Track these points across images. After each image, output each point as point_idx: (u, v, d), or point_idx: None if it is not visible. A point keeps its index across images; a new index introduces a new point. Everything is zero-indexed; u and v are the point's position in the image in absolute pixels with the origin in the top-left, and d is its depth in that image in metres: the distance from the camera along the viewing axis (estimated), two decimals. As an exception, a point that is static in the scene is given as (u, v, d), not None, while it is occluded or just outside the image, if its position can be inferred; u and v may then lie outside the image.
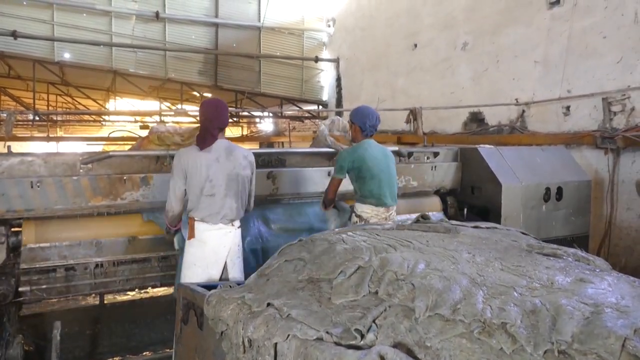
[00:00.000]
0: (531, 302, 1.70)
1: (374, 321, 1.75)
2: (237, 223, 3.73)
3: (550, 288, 1.79)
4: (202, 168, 3.53)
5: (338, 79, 13.23)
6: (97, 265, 4.10)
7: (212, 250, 3.58)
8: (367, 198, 4.27)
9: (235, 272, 3.69)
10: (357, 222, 4.31)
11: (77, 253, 4.06)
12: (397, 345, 1.63)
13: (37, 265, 3.92)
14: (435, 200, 5.65)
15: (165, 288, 4.30)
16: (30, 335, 4.11)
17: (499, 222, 5.13)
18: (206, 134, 3.60)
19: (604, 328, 1.54)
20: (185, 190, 3.60)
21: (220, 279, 3.57)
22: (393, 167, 4.45)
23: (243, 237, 3.91)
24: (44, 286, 3.95)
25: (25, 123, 15.18)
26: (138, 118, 14.34)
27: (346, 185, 4.42)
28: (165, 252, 4.27)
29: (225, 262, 3.63)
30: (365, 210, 4.30)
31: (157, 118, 13.67)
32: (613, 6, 6.41)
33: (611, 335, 1.50)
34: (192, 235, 3.61)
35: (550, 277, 1.89)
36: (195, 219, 3.58)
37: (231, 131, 18.65)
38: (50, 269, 3.97)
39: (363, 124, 4.36)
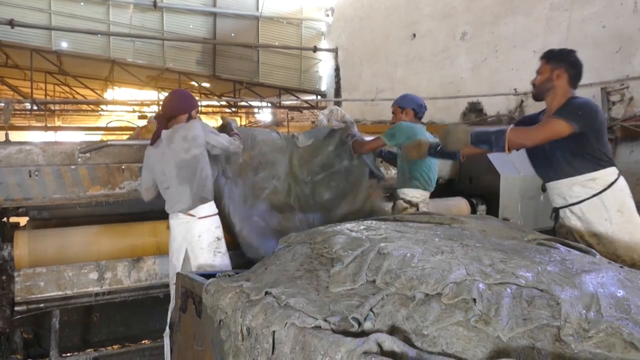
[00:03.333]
0: (529, 290, 1.71)
1: (371, 309, 1.75)
2: (201, 212, 3.53)
3: (547, 277, 1.80)
4: (155, 165, 3.58)
5: (337, 69, 13.19)
6: (98, 294, 3.95)
7: (173, 238, 3.56)
8: (416, 180, 4.13)
9: (200, 262, 3.51)
10: (407, 207, 4.14)
11: (77, 282, 3.82)
12: (394, 333, 1.64)
13: (33, 298, 3.69)
14: (462, 203, 5.42)
15: (164, 279, 4.26)
16: (29, 323, 4.11)
17: (497, 212, 5.14)
18: (157, 130, 3.63)
19: (602, 317, 1.56)
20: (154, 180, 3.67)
21: (184, 268, 3.47)
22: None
23: None
24: (41, 304, 3.77)
25: (23, 112, 15.11)
26: (136, 108, 14.30)
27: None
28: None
29: (187, 252, 3.53)
30: (415, 195, 4.15)
31: (155, 108, 13.62)
32: (612, -4, 6.40)
33: (608, 325, 1.51)
34: (167, 226, 3.67)
35: (546, 267, 1.90)
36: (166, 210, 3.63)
37: (230, 121, 18.62)
38: (47, 299, 3.77)
39: (418, 106, 4.33)
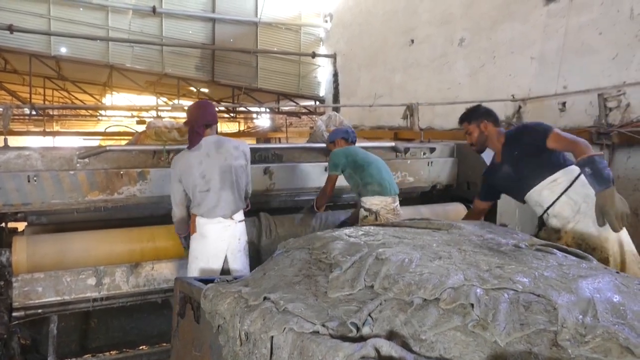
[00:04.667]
0: (526, 295, 1.72)
1: (369, 314, 1.76)
2: (238, 217, 3.77)
3: (544, 282, 1.81)
4: (194, 167, 3.63)
5: (335, 75, 13.21)
6: (96, 299, 3.95)
7: (212, 243, 3.66)
8: (370, 185, 4.30)
9: (237, 265, 3.73)
10: (367, 216, 4.30)
11: (75, 288, 3.83)
12: (392, 338, 1.65)
13: (31, 303, 3.70)
14: (460, 208, 5.51)
15: (162, 285, 4.25)
16: (26, 329, 4.10)
17: (494, 217, 5.15)
18: (192, 134, 3.70)
19: (598, 323, 1.57)
20: (185, 192, 3.72)
21: (222, 272, 3.65)
22: (384, 162, 4.57)
23: None
24: (39, 310, 3.79)
25: (22, 117, 15.13)
26: (135, 113, 14.31)
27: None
28: (168, 283, 4.08)
29: (226, 256, 3.69)
30: (374, 202, 4.29)
31: (153, 113, 13.65)
32: (609, 2, 6.42)
33: (605, 330, 1.52)
34: (194, 230, 3.72)
35: (543, 272, 1.91)
36: (196, 214, 3.69)
37: (228, 127, 18.67)
38: (45, 305, 3.79)
39: (345, 132, 4.65)
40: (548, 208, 3.32)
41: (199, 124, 3.70)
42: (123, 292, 4.01)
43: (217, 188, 3.63)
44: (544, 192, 3.31)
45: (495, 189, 3.77)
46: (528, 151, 3.33)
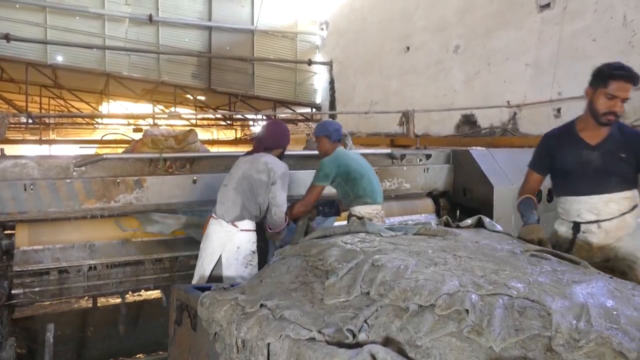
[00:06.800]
0: (521, 301, 1.73)
1: (365, 321, 1.77)
2: (244, 225, 3.72)
3: (538, 288, 1.82)
4: (233, 165, 3.91)
5: (331, 82, 13.26)
6: (90, 268, 4.09)
7: (210, 243, 3.71)
8: (362, 197, 4.20)
9: (230, 273, 3.67)
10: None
11: (70, 256, 4.05)
12: (388, 344, 1.65)
13: (30, 268, 3.90)
14: (428, 202, 5.68)
15: (153, 255, 4.32)
16: (23, 337, 4.10)
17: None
18: (254, 146, 3.97)
19: (591, 327, 1.58)
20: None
21: (211, 275, 3.65)
22: (373, 170, 4.44)
23: None
24: (37, 289, 3.94)
25: (18, 126, 15.10)
26: (131, 121, 14.31)
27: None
28: (158, 254, 4.30)
29: (221, 261, 3.67)
30: (367, 210, 4.20)
31: (150, 121, 13.66)
32: (602, 9, 6.48)
33: (598, 334, 1.53)
34: (204, 229, 3.86)
35: (537, 278, 1.93)
36: (212, 214, 3.83)
37: (225, 134, 18.67)
38: (43, 272, 3.95)
39: (328, 131, 4.31)
40: (604, 220, 3.07)
41: (261, 144, 3.91)
42: (115, 261, 4.17)
43: (232, 186, 3.73)
44: (611, 204, 3.04)
45: (548, 161, 3.33)
46: (631, 161, 3.02)
